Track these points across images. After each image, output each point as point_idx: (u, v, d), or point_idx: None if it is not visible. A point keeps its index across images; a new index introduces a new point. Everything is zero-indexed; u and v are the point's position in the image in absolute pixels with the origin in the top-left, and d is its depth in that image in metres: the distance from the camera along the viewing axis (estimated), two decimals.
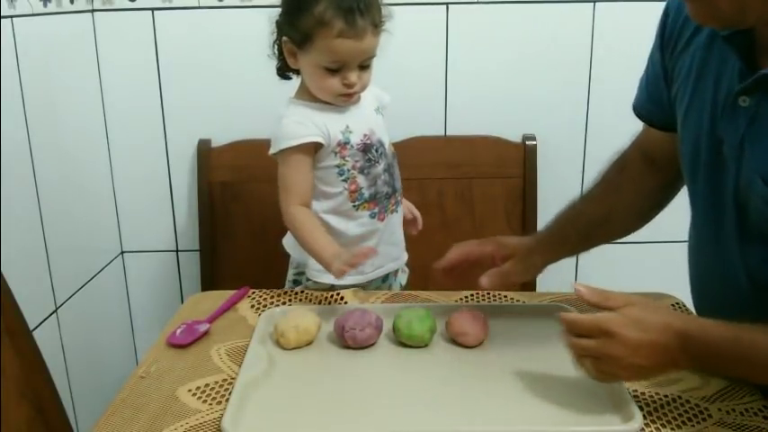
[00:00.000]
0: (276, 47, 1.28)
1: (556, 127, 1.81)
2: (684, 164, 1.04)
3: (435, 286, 1.26)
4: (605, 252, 1.91)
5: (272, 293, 1.25)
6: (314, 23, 1.17)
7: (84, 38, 1.70)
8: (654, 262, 1.90)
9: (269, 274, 1.44)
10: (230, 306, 1.20)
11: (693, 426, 0.87)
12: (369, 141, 1.29)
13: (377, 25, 1.21)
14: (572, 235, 1.20)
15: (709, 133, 0.96)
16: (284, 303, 1.21)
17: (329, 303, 1.21)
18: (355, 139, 1.28)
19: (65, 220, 1.57)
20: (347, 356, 1.04)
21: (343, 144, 1.26)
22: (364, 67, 1.24)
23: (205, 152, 1.78)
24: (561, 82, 1.78)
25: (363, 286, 1.30)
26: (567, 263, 1.92)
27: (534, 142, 1.79)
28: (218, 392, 0.95)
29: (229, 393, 0.93)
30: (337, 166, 1.27)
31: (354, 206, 1.29)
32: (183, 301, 1.48)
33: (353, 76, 1.22)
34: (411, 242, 1.45)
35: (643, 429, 0.85)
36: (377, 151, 1.30)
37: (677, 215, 1.88)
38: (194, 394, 0.95)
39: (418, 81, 1.78)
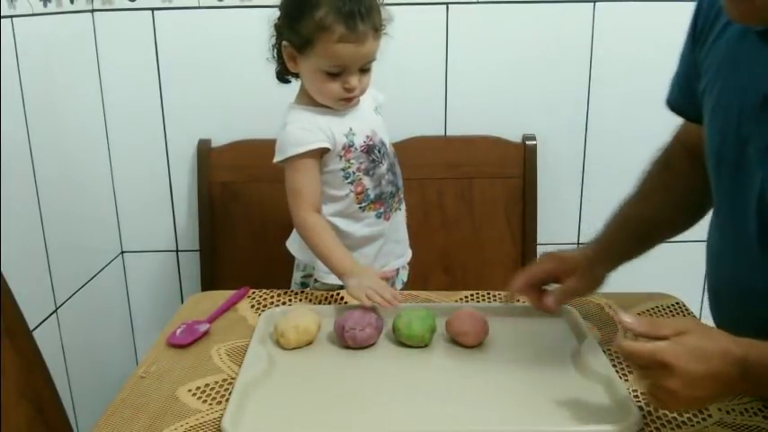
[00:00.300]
0: (275, 51, 1.28)
1: (556, 127, 1.81)
2: (709, 161, 1.00)
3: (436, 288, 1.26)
4: None
5: (272, 293, 1.25)
6: (315, 28, 1.17)
7: (85, 38, 1.70)
8: (654, 262, 1.90)
9: (269, 274, 1.44)
10: (230, 306, 1.20)
11: (693, 426, 0.87)
12: (371, 142, 1.29)
13: (377, 29, 1.21)
14: (628, 240, 1.15)
15: (736, 131, 0.92)
16: (284, 303, 1.21)
17: (329, 303, 1.21)
18: (359, 141, 1.28)
19: (65, 220, 1.57)
20: (347, 356, 1.04)
21: (348, 147, 1.27)
22: (364, 70, 1.24)
23: (205, 152, 1.78)
24: (561, 82, 1.78)
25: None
26: None
27: (534, 142, 1.79)
28: (218, 392, 0.95)
29: (229, 393, 0.93)
30: (343, 170, 1.27)
31: (361, 207, 1.30)
32: (183, 301, 1.48)
33: (354, 80, 1.22)
34: (411, 242, 1.45)
35: (643, 429, 0.85)
36: (379, 152, 1.30)
37: None
38: (194, 394, 0.95)
39: (418, 81, 1.78)
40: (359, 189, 1.29)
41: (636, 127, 1.82)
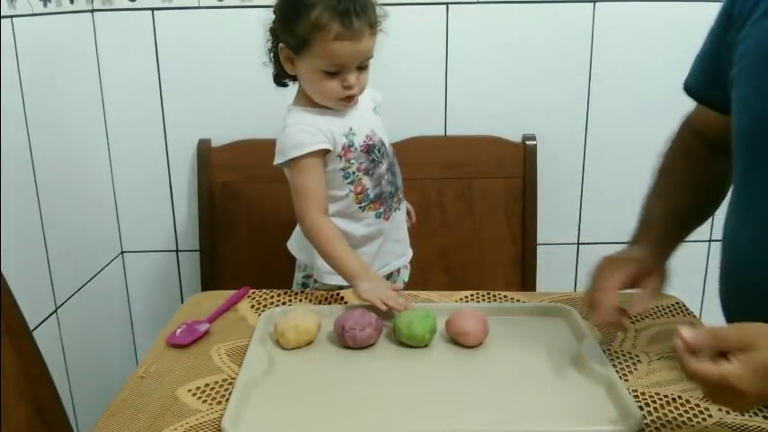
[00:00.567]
0: (272, 54, 1.28)
1: (556, 127, 1.81)
2: (738, 149, 0.96)
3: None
4: (605, 252, 1.92)
5: (272, 293, 1.25)
6: (311, 28, 1.17)
7: (85, 38, 1.70)
8: None
9: (269, 274, 1.44)
10: (230, 306, 1.20)
11: (693, 426, 0.87)
12: (371, 142, 1.29)
13: (373, 26, 1.21)
14: (675, 231, 1.10)
15: None
16: (284, 303, 1.21)
17: (329, 303, 1.21)
18: (358, 141, 1.28)
19: (65, 220, 1.57)
20: (347, 356, 1.04)
21: (348, 147, 1.27)
22: (362, 68, 1.24)
23: (205, 152, 1.78)
24: (561, 82, 1.78)
25: None
26: (566, 264, 1.94)
27: (534, 142, 1.79)
28: (218, 392, 0.95)
29: (229, 393, 0.93)
30: (343, 170, 1.27)
31: (361, 207, 1.30)
32: (183, 301, 1.48)
33: (352, 78, 1.22)
34: (411, 242, 1.45)
35: (643, 429, 0.85)
36: (379, 151, 1.31)
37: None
38: (194, 394, 0.95)
39: (418, 81, 1.78)
40: (358, 189, 1.29)
41: (636, 127, 1.82)
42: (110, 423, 0.89)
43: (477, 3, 1.73)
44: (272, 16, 1.25)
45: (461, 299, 1.22)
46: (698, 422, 0.87)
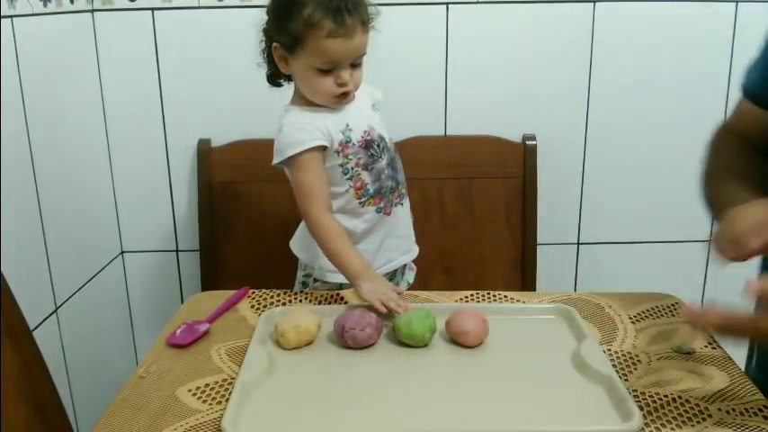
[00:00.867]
0: (266, 55, 1.29)
1: (556, 127, 1.81)
2: None
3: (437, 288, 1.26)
4: (605, 252, 1.92)
5: (272, 293, 1.25)
6: (303, 26, 1.18)
7: (85, 38, 1.70)
8: (654, 262, 1.91)
9: (269, 274, 1.44)
10: (230, 306, 1.20)
11: (693, 426, 0.87)
12: (369, 137, 1.30)
13: (365, 23, 1.22)
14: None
15: None
16: (284, 303, 1.21)
17: (329, 303, 1.21)
18: (356, 137, 1.28)
19: (65, 219, 1.57)
20: (347, 356, 1.04)
21: (345, 143, 1.27)
22: (355, 65, 1.24)
23: (205, 152, 1.78)
24: (561, 82, 1.78)
25: None
26: (566, 264, 1.94)
27: (534, 142, 1.79)
28: (218, 392, 0.95)
29: (229, 393, 0.93)
30: (341, 165, 1.28)
31: (360, 203, 1.30)
32: (183, 301, 1.48)
33: (346, 75, 1.23)
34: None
35: (643, 429, 0.85)
36: (378, 146, 1.31)
37: (676, 216, 1.89)
38: (194, 394, 0.95)
39: (418, 81, 1.78)
40: (358, 184, 1.29)
41: (636, 127, 1.82)
42: (110, 423, 0.89)
43: (477, 3, 1.73)
44: (266, 17, 1.26)
45: (461, 299, 1.22)
46: (698, 422, 0.87)
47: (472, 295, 1.23)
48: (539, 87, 1.79)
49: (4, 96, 1.32)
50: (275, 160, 1.27)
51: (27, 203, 1.43)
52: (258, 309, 1.19)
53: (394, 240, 1.36)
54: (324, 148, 1.26)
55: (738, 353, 1.07)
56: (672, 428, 0.86)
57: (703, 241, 1.89)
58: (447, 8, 1.73)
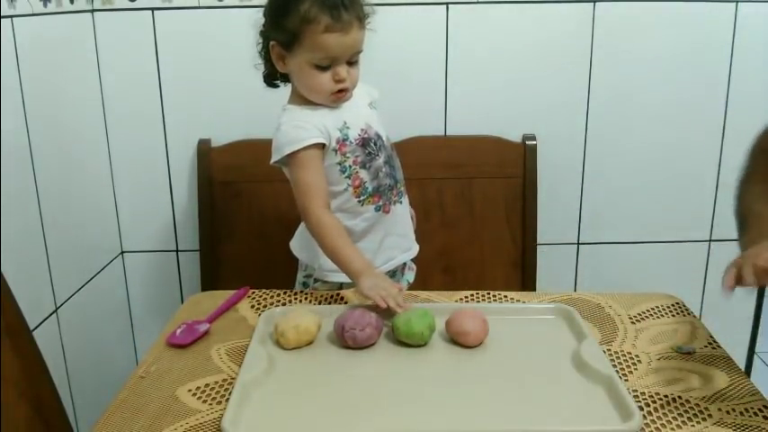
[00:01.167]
0: (262, 55, 1.30)
1: (556, 127, 1.81)
2: None
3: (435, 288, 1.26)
4: (605, 252, 1.92)
5: (272, 293, 1.25)
6: (300, 22, 1.19)
7: (84, 38, 1.70)
8: (655, 262, 1.91)
9: (269, 274, 1.44)
10: (230, 306, 1.20)
11: (693, 426, 0.87)
12: (366, 135, 1.30)
13: (361, 19, 1.22)
14: None
15: None
16: (284, 303, 1.21)
17: (329, 303, 1.21)
18: (353, 135, 1.28)
19: (65, 220, 1.57)
20: (347, 356, 1.04)
21: (343, 141, 1.27)
22: (352, 63, 1.25)
23: (205, 152, 1.78)
24: (561, 82, 1.78)
25: None
26: (566, 264, 1.94)
27: (534, 142, 1.79)
28: (218, 392, 0.95)
29: (229, 393, 0.93)
30: (339, 164, 1.28)
31: (360, 201, 1.30)
32: (183, 301, 1.48)
33: (343, 72, 1.23)
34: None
35: (643, 429, 0.85)
36: (375, 144, 1.31)
37: (676, 216, 1.89)
38: (194, 394, 0.95)
39: (418, 81, 1.78)
40: (356, 183, 1.29)
41: (635, 127, 1.82)
42: (110, 423, 0.89)
43: (477, 3, 1.73)
44: (262, 18, 1.27)
45: (461, 299, 1.22)
46: (698, 422, 0.87)
47: (472, 295, 1.23)
48: (539, 87, 1.79)
49: (4, 96, 1.32)
50: (273, 159, 1.27)
51: (27, 203, 1.43)
52: (258, 309, 1.19)
53: (394, 238, 1.36)
54: (322, 146, 1.26)
55: (738, 353, 1.07)
56: (672, 428, 0.86)
57: (703, 241, 1.89)
58: (447, 8, 1.73)
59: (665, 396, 0.93)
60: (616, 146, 1.84)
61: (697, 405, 0.91)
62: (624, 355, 1.04)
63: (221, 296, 1.23)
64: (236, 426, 0.86)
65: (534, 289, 1.80)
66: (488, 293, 1.23)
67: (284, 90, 1.33)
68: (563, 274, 1.93)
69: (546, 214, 1.83)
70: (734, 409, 0.90)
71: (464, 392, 0.94)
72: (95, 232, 1.77)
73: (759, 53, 1.74)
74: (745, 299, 1.96)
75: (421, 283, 1.44)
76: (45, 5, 1.49)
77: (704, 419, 0.88)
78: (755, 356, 1.97)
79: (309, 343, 1.07)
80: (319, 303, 1.21)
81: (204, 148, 1.79)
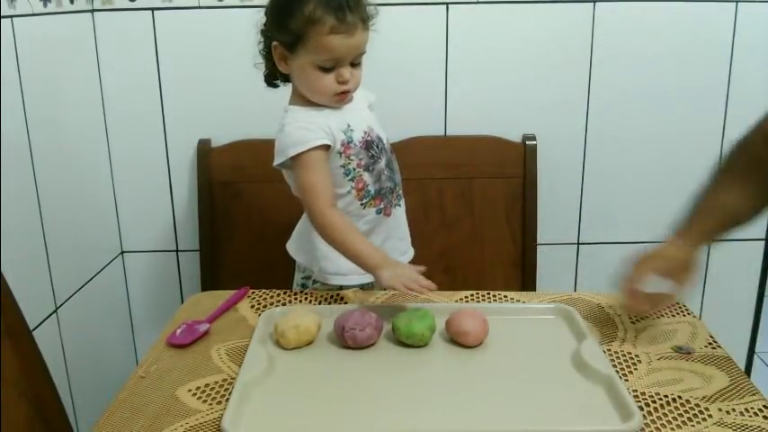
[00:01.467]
0: (263, 54, 1.29)
1: (556, 127, 1.81)
2: None
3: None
4: (605, 252, 1.92)
5: (272, 293, 1.25)
6: (305, 22, 1.18)
7: (85, 38, 1.70)
8: None
9: (269, 274, 1.44)
10: (230, 306, 1.20)
11: (693, 426, 0.87)
12: (369, 138, 1.30)
13: (365, 21, 1.22)
14: (717, 228, 1.13)
15: None
16: (284, 303, 1.21)
17: (329, 303, 1.21)
18: (357, 137, 1.28)
19: (65, 219, 1.57)
20: (347, 356, 1.04)
21: (347, 143, 1.27)
22: (355, 65, 1.24)
23: (205, 152, 1.78)
24: (561, 82, 1.78)
25: (373, 285, 1.30)
26: (566, 264, 1.94)
27: (534, 142, 1.79)
28: (218, 392, 0.95)
29: (229, 393, 0.93)
30: (343, 167, 1.27)
31: (362, 204, 1.30)
32: (183, 301, 1.48)
33: (347, 73, 1.22)
34: (411, 241, 1.45)
35: (643, 429, 0.85)
36: (377, 147, 1.31)
37: (676, 216, 1.88)
38: (194, 394, 0.95)
39: (418, 81, 1.78)
40: (360, 185, 1.29)
41: (635, 127, 1.82)
42: (110, 423, 0.89)
43: (477, 3, 1.73)
44: (264, 18, 1.26)
45: (461, 299, 1.22)
46: (698, 422, 0.87)
47: (472, 295, 1.23)
48: (539, 87, 1.79)
49: (4, 96, 1.32)
50: (277, 161, 1.26)
51: (27, 203, 1.43)
52: (258, 309, 1.19)
53: (393, 242, 1.36)
54: (327, 147, 1.25)
55: (738, 353, 1.07)
56: (672, 428, 0.86)
57: None
58: (447, 8, 1.73)
59: (665, 396, 0.93)
60: (616, 146, 1.84)
61: (697, 405, 0.91)
62: (624, 355, 1.04)
63: (221, 296, 1.23)
64: (236, 426, 0.86)
65: (534, 289, 1.79)
66: (488, 293, 1.23)
67: (284, 90, 1.33)
68: (563, 274, 1.93)
69: (546, 214, 1.83)
70: (734, 409, 0.90)
71: (464, 392, 0.94)
72: (95, 232, 1.77)
73: (759, 53, 1.74)
74: (744, 299, 1.96)
75: None
76: (45, 5, 1.49)
77: (704, 419, 0.88)
78: (755, 356, 1.97)
79: (309, 343, 1.07)
80: (319, 303, 1.21)
81: (204, 149, 1.79)
